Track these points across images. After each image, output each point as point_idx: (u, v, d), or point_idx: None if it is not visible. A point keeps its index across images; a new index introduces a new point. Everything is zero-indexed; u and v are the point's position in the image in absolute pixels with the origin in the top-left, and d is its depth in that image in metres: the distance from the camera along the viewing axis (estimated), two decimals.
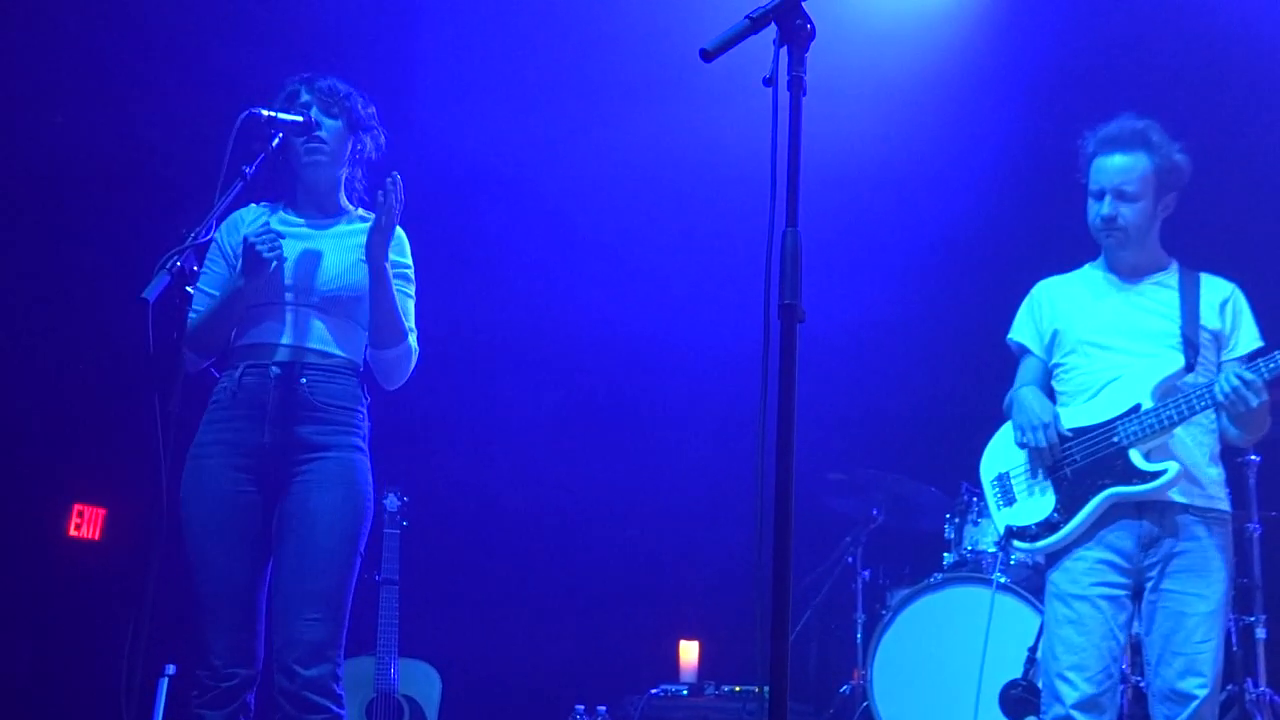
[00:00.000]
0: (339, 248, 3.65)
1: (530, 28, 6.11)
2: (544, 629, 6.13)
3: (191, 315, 3.58)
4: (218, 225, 3.57)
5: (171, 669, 5.37)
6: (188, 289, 3.19)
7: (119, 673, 2.96)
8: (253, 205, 3.74)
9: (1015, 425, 3.86)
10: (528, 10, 6.07)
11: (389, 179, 3.55)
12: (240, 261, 3.53)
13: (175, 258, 3.12)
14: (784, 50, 2.40)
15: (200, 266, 3.59)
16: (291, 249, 3.61)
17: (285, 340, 3.58)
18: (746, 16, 2.39)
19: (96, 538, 5.65)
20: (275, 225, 3.61)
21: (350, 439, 3.59)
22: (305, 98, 3.65)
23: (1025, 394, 3.89)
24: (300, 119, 3.58)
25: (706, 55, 2.38)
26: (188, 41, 5.46)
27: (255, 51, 5.30)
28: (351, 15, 5.82)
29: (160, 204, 4.38)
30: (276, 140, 3.52)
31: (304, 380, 3.54)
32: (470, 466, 6.22)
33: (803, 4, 2.41)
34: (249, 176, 3.40)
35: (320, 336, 3.60)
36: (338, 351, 3.62)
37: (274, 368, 3.54)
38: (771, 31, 2.41)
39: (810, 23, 2.42)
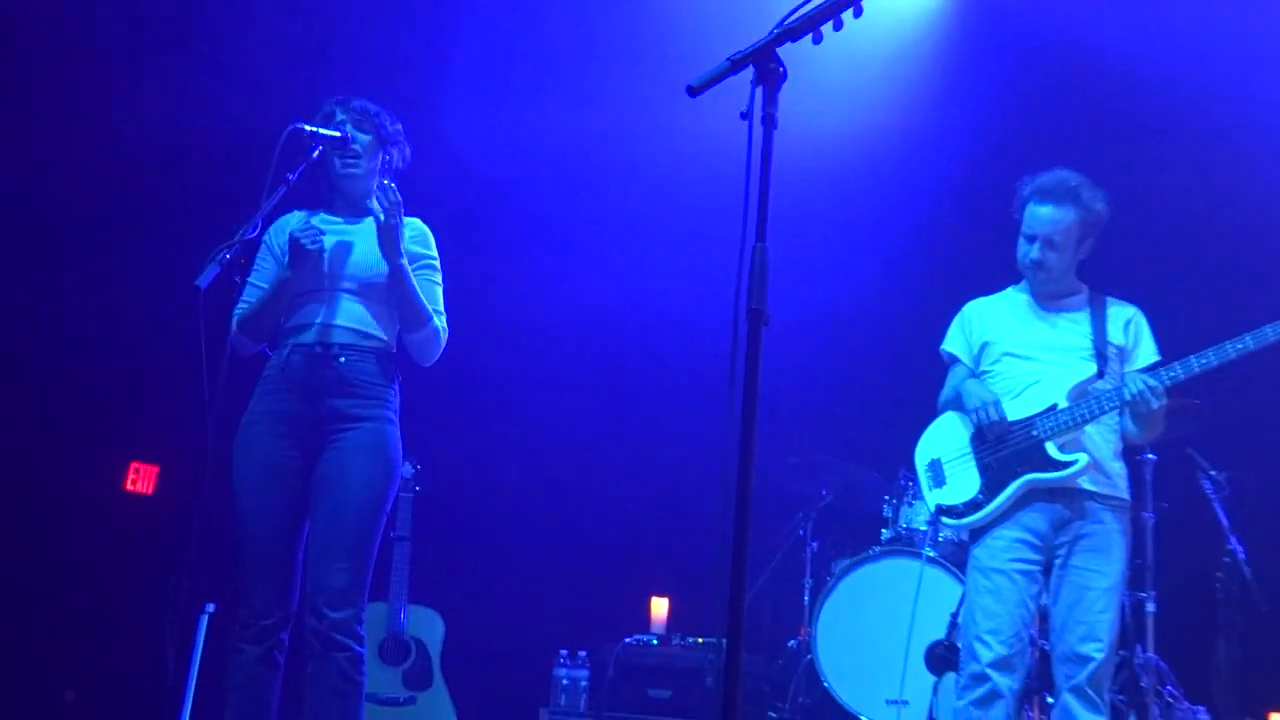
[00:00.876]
0: (372, 241, 3.65)
1: (545, 44, 6.11)
2: (534, 583, 6.12)
3: (243, 305, 3.60)
4: (264, 226, 3.60)
5: (211, 607, 5.36)
6: (235, 278, 3.19)
7: (165, 610, 2.96)
8: (295, 212, 3.75)
9: (968, 408, 3.84)
10: (542, 28, 6.06)
11: (379, 186, 3.57)
12: (286, 255, 3.56)
13: (225, 251, 3.13)
14: (759, 89, 2.40)
15: (247, 261, 3.58)
16: (330, 242, 3.62)
17: (325, 320, 3.59)
18: (727, 59, 2.39)
19: (150, 492, 5.63)
20: (315, 224, 3.63)
21: (383, 411, 3.60)
22: (340, 116, 3.66)
23: (970, 383, 3.90)
24: (338, 134, 3.60)
25: (692, 91, 2.37)
26: (238, 58, 5.45)
27: (297, 71, 5.31)
28: (383, 36, 5.81)
29: (214, 203, 4.37)
30: (317, 153, 3.54)
31: (342, 359, 3.55)
32: (475, 441, 6.22)
33: (777, 50, 2.41)
34: (292, 183, 3.41)
35: (357, 318, 3.61)
36: (373, 332, 3.62)
37: (316, 346, 3.55)
38: (749, 73, 2.42)
39: (783, 66, 2.42)
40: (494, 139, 6.10)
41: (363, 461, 3.52)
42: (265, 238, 3.70)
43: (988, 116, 6.11)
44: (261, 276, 3.68)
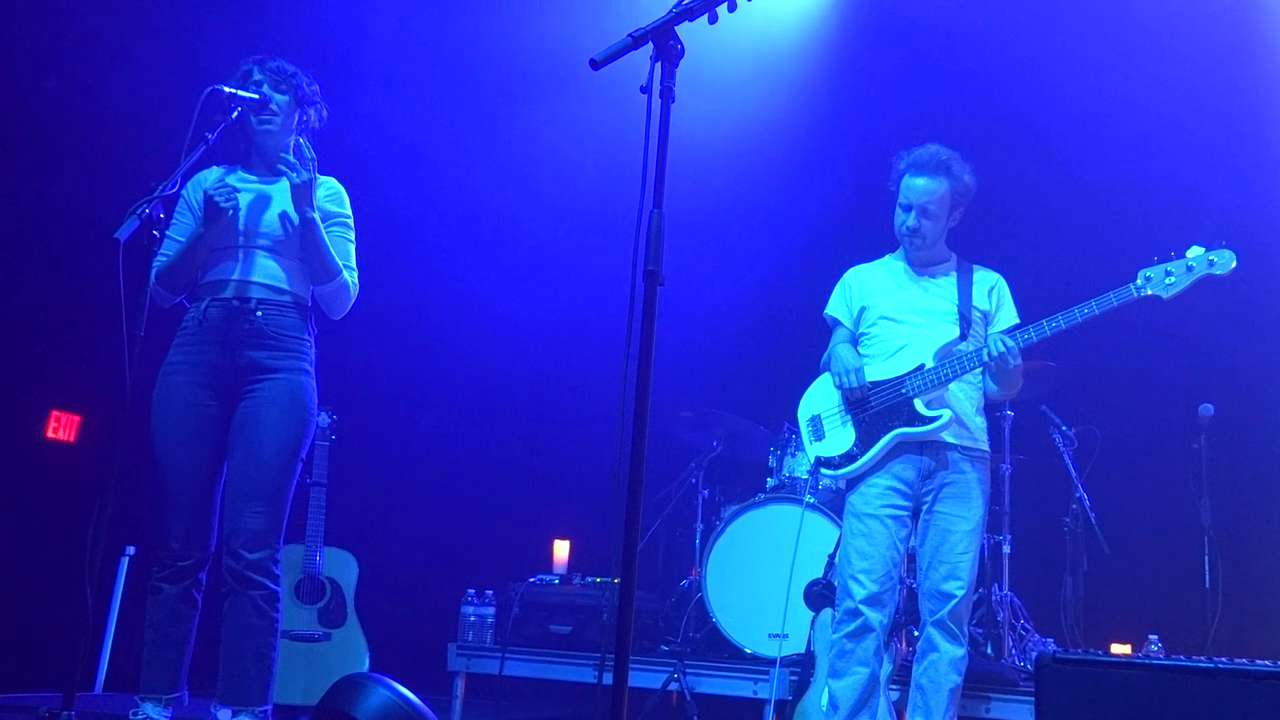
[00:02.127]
0: (287, 200, 3.57)
1: (445, 31, 6.04)
2: (442, 526, 6.09)
3: (161, 258, 3.50)
4: (183, 182, 3.51)
5: (131, 550, 5.24)
6: (154, 233, 3.08)
7: (83, 553, 2.88)
8: (214, 167, 3.65)
9: (833, 372, 3.90)
10: (445, 15, 5.99)
11: (295, 146, 3.52)
12: (202, 211, 3.46)
13: (144, 205, 3.03)
14: (659, 65, 2.39)
15: (166, 215, 3.47)
16: (245, 200, 3.54)
17: (241, 277, 3.51)
18: (629, 35, 2.37)
19: (72, 440, 5.46)
20: (232, 181, 3.54)
21: (299, 363, 3.54)
22: (258, 76, 3.56)
23: (841, 349, 3.95)
24: (256, 96, 3.51)
25: (595, 65, 2.36)
26: (157, 14, 5.28)
27: (219, 30, 5.16)
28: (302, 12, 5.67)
29: (133, 160, 4.22)
30: (236, 113, 3.43)
31: (259, 313, 3.49)
32: (388, 392, 6.15)
33: (675, 28, 2.39)
34: (211, 142, 3.31)
35: (271, 274, 3.54)
36: (285, 287, 3.55)
37: (234, 301, 3.49)
38: (649, 49, 2.40)
39: (680, 44, 2.41)
40: (417, 128, 6.02)
41: (279, 410, 3.47)
42: (183, 193, 3.60)
43: (867, 98, 6.19)
44: (179, 231, 3.58)
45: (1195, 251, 3.59)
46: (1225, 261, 3.58)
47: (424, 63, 6.11)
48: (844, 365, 3.86)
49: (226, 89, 3.42)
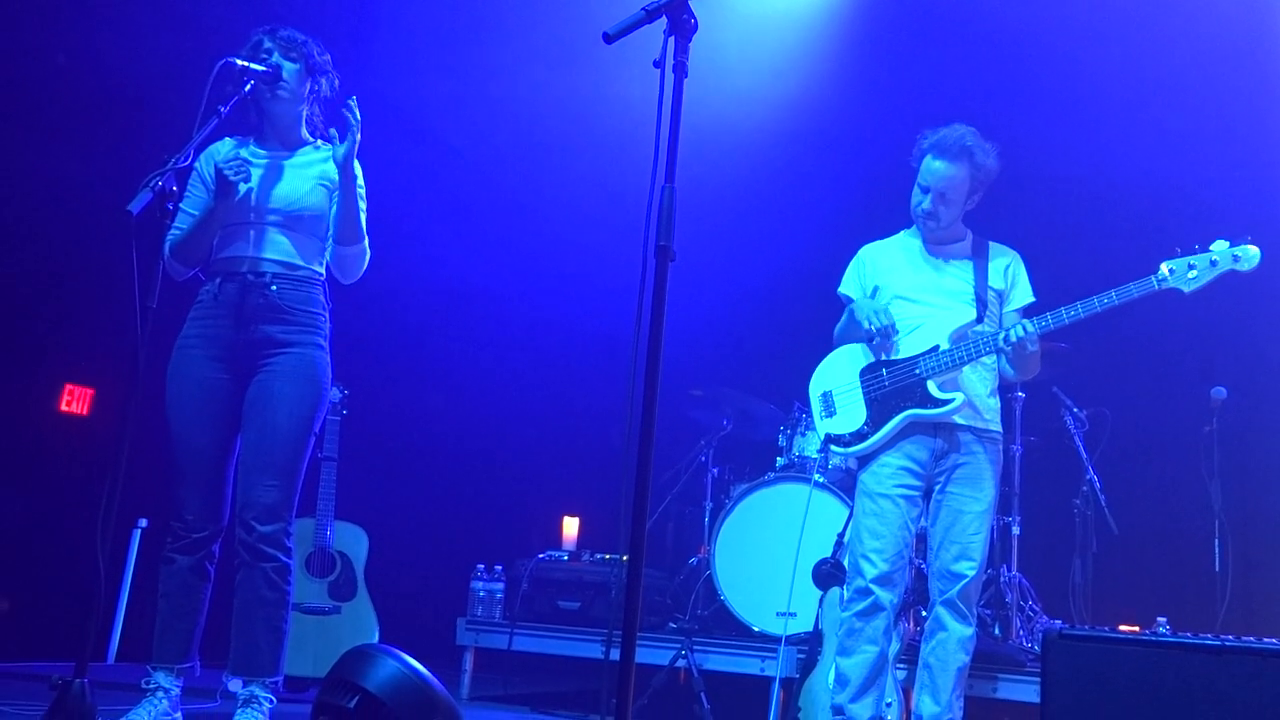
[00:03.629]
0: (300, 174, 3.58)
1: (455, 6, 6.01)
2: (453, 502, 6.10)
3: (175, 231, 3.51)
4: (196, 155, 3.49)
5: (144, 522, 5.26)
6: (168, 205, 3.07)
7: (96, 524, 2.89)
8: (226, 139, 3.64)
9: (861, 316, 3.83)
10: None
11: (346, 103, 3.50)
12: (214, 185, 3.46)
13: (157, 178, 3.01)
14: (672, 39, 2.37)
15: (179, 188, 3.47)
16: (257, 175, 3.54)
17: (254, 253, 3.51)
18: (643, 9, 2.35)
19: (85, 413, 5.47)
20: (244, 155, 3.53)
21: (313, 338, 3.55)
22: (268, 45, 3.55)
23: (860, 300, 3.92)
24: (267, 69, 3.48)
25: (608, 38, 2.34)
26: None
27: (227, 8, 5.14)
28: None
29: (145, 133, 4.22)
30: (249, 86, 3.41)
31: (274, 288, 3.49)
32: (401, 368, 6.15)
33: (689, 2, 2.37)
34: (224, 115, 3.29)
35: (285, 250, 3.55)
36: (300, 262, 3.56)
37: (249, 275, 3.49)
38: (662, 23, 2.38)
39: (694, 18, 2.39)
40: (409, 82, 5.98)
41: (293, 385, 3.48)
42: (196, 165, 3.60)
43: (884, 78, 6.14)
44: (192, 204, 3.58)
45: (1220, 245, 3.53)
46: (1250, 257, 3.51)
47: (436, 39, 6.08)
48: (870, 307, 3.81)
49: (239, 61, 3.41)
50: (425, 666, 2.66)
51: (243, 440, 3.50)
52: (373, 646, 2.69)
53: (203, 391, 3.48)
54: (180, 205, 3.50)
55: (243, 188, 3.46)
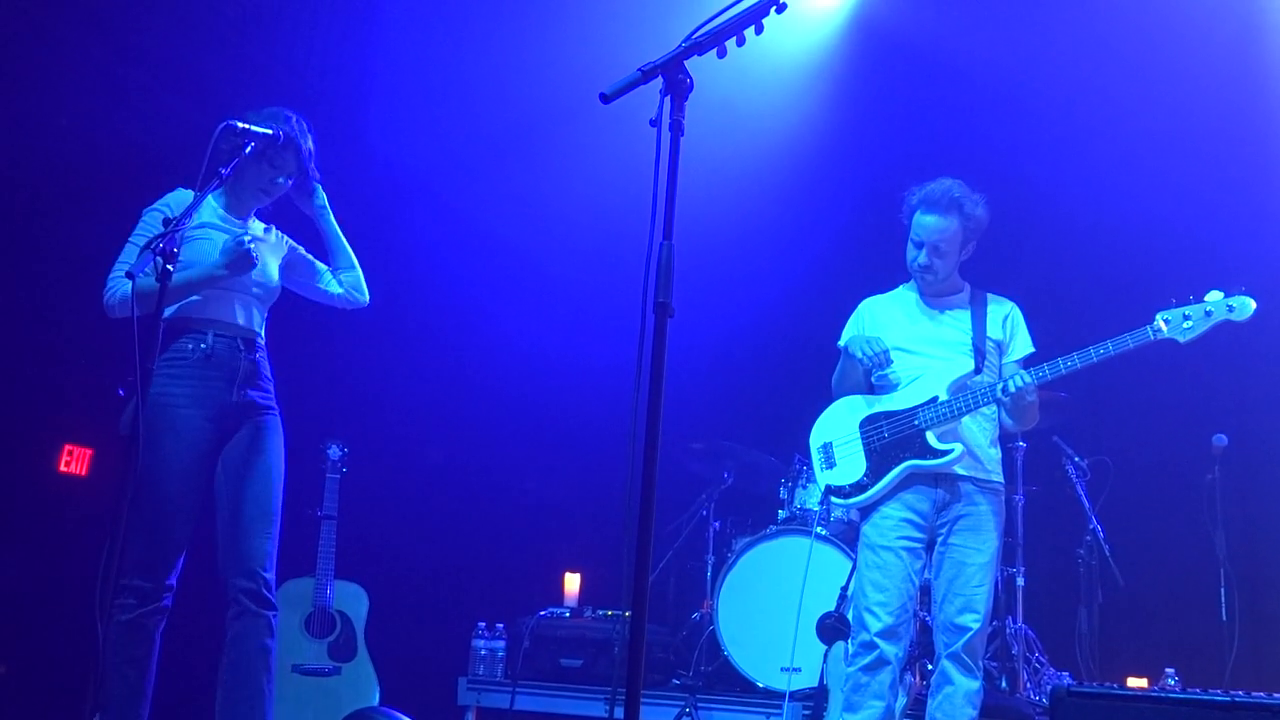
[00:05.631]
0: (269, 251, 3.74)
1: (457, 64, 6.09)
2: (454, 559, 6.06)
3: (145, 277, 3.36)
4: (190, 214, 3.46)
5: None
6: (169, 267, 3.06)
7: (96, 587, 2.87)
8: (182, 190, 3.60)
9: (854, 348, 3.86)
10: (457, 48, 6.05)
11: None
12: (222, 256, 3.49)
13: (159, 242, 3.02)
14: (668, 99, 2.40)
15: (178, 250, 3.47)
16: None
17: (243, 321, 3.62)
18: (639, 69, 2.38)
19: (84, 474, 5.45)
20: (214, 221, 3.61)
21: (275, 404, 3.71)
22: (300, 146, 3.65)
23: (854, 336, 3.94)
24: (270, 131, 3.50)
25: (605, 98, 2.37)
26: (157, 51, 5.33)
27: (219, 65, 5.21)
28: (309, 40, 5.74)
29: (143, 194, 4.23)
30: (250, 148, 3.42)
31: (256, 355, 3.63)
32: (399, 427, 6.14)
33: (684, 62, 2.41)
34: (225, 178, 3.31)
35: (259, 322, 3.69)
36: (262, 332, 3.70)
37: (239, 341, 3.58)
38: (658, 83, 2.41)
39: (689, 78, 2.42)
40: (431, 158, 6.08)
41: (277, 443, 3.65)
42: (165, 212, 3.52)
43: (878, 129, 6.20)
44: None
45: (1214, 296, 3.56)
46: (1244, 307, 3.53)
47: (436, 95, 6.15)
48: (864, 340, 3.85)
49: (240, 124, 3.43)
50: None
51: (235, 493, 3.52)
52: (373, 709, 2.67)
53: (193, 453, 3.50)
54: (131, 240, 3.55)
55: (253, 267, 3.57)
